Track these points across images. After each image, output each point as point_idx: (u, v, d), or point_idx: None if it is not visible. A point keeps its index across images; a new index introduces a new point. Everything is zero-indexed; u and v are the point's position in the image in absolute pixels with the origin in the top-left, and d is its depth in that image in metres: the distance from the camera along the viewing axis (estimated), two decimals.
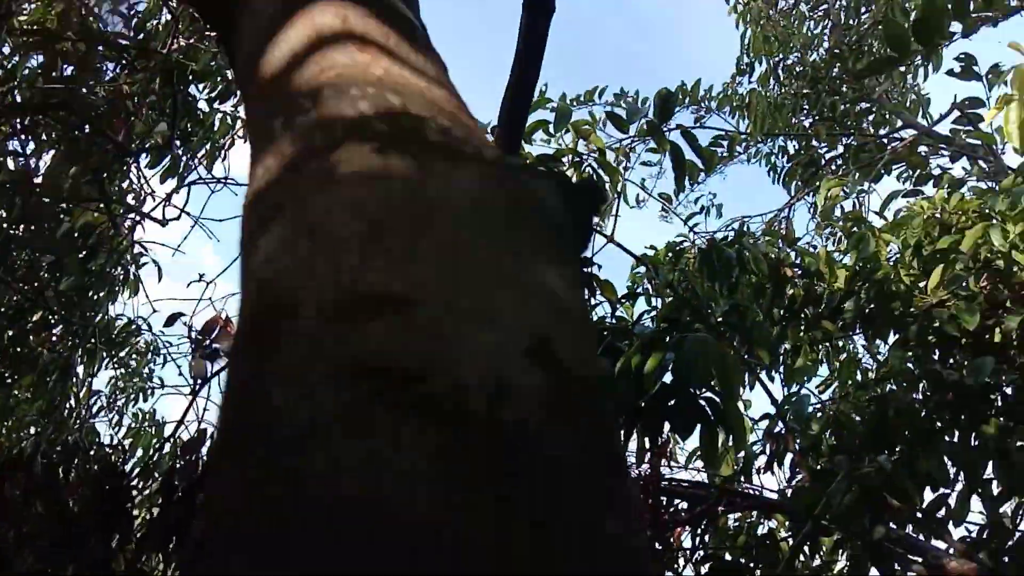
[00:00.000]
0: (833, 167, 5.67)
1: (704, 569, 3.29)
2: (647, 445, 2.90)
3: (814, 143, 5.74)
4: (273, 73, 0.42)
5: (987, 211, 3.58)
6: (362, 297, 0.27)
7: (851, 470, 2.48)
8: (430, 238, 0.29)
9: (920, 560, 2.59)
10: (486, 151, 0.35)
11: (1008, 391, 3.19)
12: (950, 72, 4.24)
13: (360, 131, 0.34)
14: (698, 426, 2.56)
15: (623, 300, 2.95)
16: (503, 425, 0.24)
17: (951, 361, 3.33)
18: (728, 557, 3.42)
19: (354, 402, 0.24)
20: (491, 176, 0.33)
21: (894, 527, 2.76)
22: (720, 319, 2.98)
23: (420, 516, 0.21)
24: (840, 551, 2.74)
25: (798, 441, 3.04)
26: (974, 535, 2.94)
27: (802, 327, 3.66)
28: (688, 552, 3.44)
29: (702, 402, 2.47)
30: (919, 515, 2.82)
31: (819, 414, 3.16)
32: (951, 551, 2.67)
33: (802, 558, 2.59)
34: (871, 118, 5.85)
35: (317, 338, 0.26)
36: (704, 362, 2.22)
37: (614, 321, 2.97)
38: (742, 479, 3.48)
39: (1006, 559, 2.78)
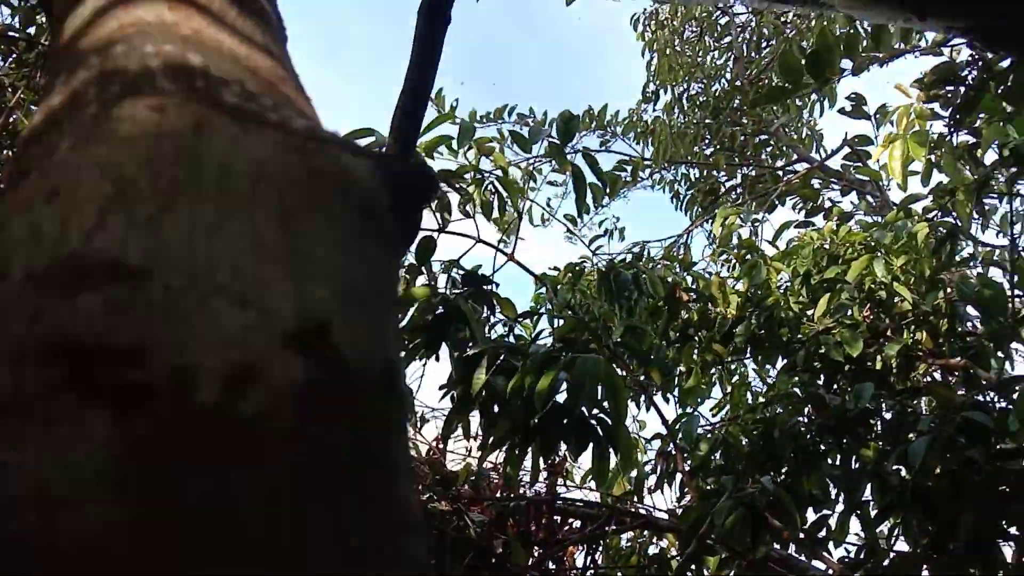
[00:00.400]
0: (732, 196, 5.84)
1: None
2: (541, 464, 2.89)
3: (714, 172, 5.91)
4: (72, 33, 0.37)
5: (872, 244, 3.74)
6: (83, 264, 0.23)
7: (736, 490, 2.53)
8: (191, 204, 0.25)
9: None
10: (295, 121, 0.31)
11: (886, 415, 3.33)
12: (842, 111, 4.45)
13: (140, 87, 0.30)
14: (590, 445, 2.56)
15: (521, 319, 2.93)
16: (236, 420, 0.20)
17: (835, 386, 3.46)
18: None
19: (37, 386, 0.20)
20: (291, 146, 0.30)
21: (777, 546, 2.82)
22: (617, 340, 3.00)
23: (82, 534, 0.17)
24: (725, 570, 2.78)
25: (687, 461, 3.09)
26: (852, 555, 3.04)
27: (695, 350, 3.73)
28: (580, 571, 3.45)
29: (593, 422, 2.47)
30: (801, 535, 2.90)
31: (709, 435, 3.22)
32: (830, 571, 2.75)
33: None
34: (769, 150, 6.07)
35: (12, 310, 0.22)
36: (593, 383, 2.22)
37: (512, 340, 2.95)
38: (634, 498, 3.51)
39: None
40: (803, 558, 2.99)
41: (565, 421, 2.53)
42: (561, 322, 2.96)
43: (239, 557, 0.18)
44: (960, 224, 3.31)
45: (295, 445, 0.21)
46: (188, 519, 0.18)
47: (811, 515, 3.05)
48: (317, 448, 0.21)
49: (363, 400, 0.23)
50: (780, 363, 3.66)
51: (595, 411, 2.49)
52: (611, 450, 2.55)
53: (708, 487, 2.95)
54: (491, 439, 2.54)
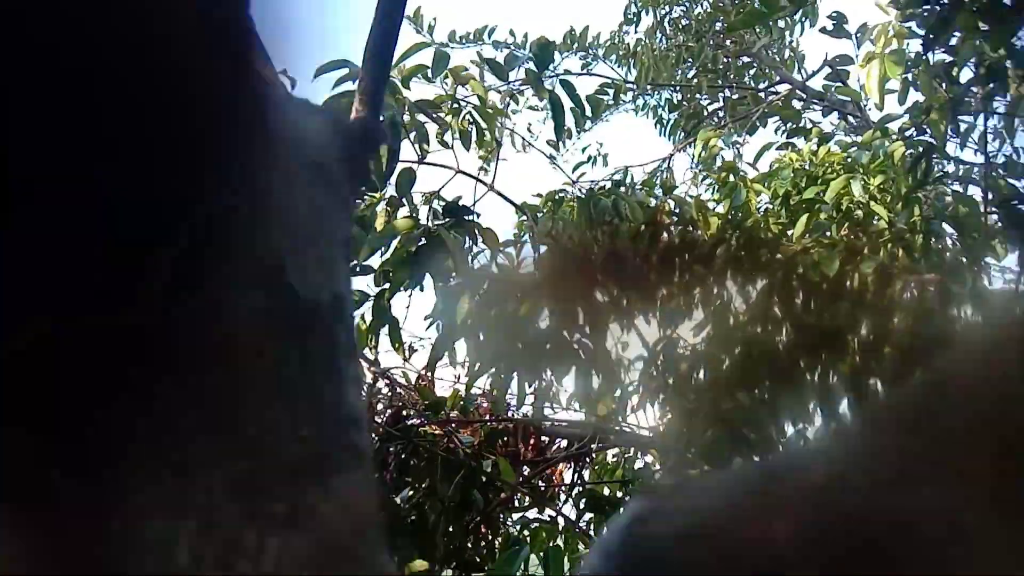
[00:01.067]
0: (715, 119, 5.83)
1: (582, 503, 3.44)
2: (528, 388, 2.98)
3: (697, 95, 5.88)
4: None
5: (851, 163, 3.79)
6: None
7: (714, 408, 2.63)
8: None
9: None
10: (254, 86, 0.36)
11: (863, 332, 3.43)
12: (823, 29, 4.42)
13: None
14: (573, 368, 2.66)
15: (503, 247, 2.99)
16: (213, 339, 0.26)
17: (812, 305, 3.54)
18: (607, 491, 3.59)
19: None
20: None
21: (757, 460, 2.95)
22: (598, 266, 3.07)
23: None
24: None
25: (669, 381, 3.19)
26: None
27: (676, 272, 3.80)
28: (568, 487, 3.59)
29: (575, 346, 2.56)
30: (779, 448, 3.02)
31: (690, 355, 3.32)
32: None
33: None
34: (752, 72, 6.03)
35: None
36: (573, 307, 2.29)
37: (495, 269, 3.01)
38: (619, 417, 3.63)
39: None
40: None
41: (548, 346, 2.61)
42: (543, 250, 3.01)
43: (212, 444, 0.23)
44: (935, 142, 3.35)
45: (259, 359, 0.26)
46: (172, 415, 0.24)
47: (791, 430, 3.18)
48: (277, 362, 0.26)
49: (313, 325, 0.29)
50: (760, 283, 3.74)
51: (577, 336, 2.58)
52: (593, 372, 2.65)
53: (689, 405, 3.06)
54: (477, 365, 2.63)
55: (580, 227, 3.20)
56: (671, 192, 3.82)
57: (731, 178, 3.90)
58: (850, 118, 5.10)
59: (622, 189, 3.38)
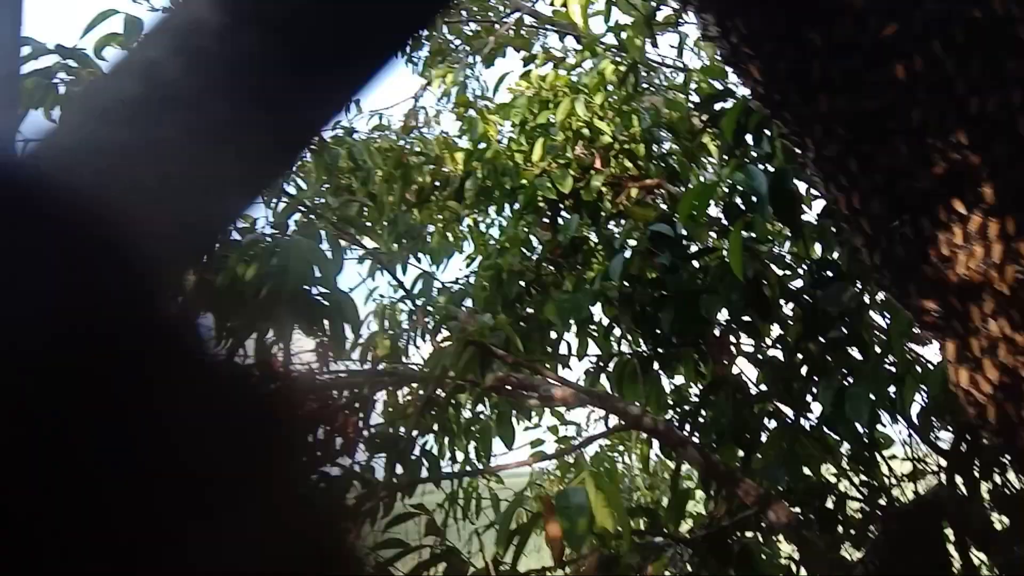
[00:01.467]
0: (461, 54, 5.92)
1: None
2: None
3: (440, 31, 5.94)
4: None
5: (575, 85, 4.03)
6: None
7: (462, 331, 2.80)
8: None
9: (535, 394, 3.00)
10: None
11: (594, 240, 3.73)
12: None
13: None
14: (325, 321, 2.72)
15: None
16: None
17: (556, 221, 3.80)
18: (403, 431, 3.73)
19: None
20: None
21: (517, 375, 3.16)
22: (339, 218, 3.13)
23: None
24: (465, 402, 3.11)
25: (432, 316, 3.34)
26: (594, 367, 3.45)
27: (433, 210, 3.93)
28: (357, 435, 3.69)
29: (319, 298, 2.62)
30: (537, 360, 3.26)
31: (449, 289, 3.48)
32: (557, 383, 3.13)
33: (433, 412, 2.91)
34: (491, 3, 6.15)
35: None
36: (299, 261, 2.34)
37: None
38: (401, 358, 3.75)
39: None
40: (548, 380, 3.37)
41: (291, 303, 2.65)
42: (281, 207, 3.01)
43: None
44: (636, 58, 3.63)
45: None
46: None
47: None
48: None
49: None
50: (508, 208, 3.94)
51: (319, 288, 2.63)
52: (344, 323, 2.72)
53: (448, 334, 3.22)
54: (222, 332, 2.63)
55: (318, 179, 3.23)
56: (409, 133, 3.92)
57: (470, 112, 4.04)
58: (582, 41, 5.34)
59: (356, 136, 3.42)
